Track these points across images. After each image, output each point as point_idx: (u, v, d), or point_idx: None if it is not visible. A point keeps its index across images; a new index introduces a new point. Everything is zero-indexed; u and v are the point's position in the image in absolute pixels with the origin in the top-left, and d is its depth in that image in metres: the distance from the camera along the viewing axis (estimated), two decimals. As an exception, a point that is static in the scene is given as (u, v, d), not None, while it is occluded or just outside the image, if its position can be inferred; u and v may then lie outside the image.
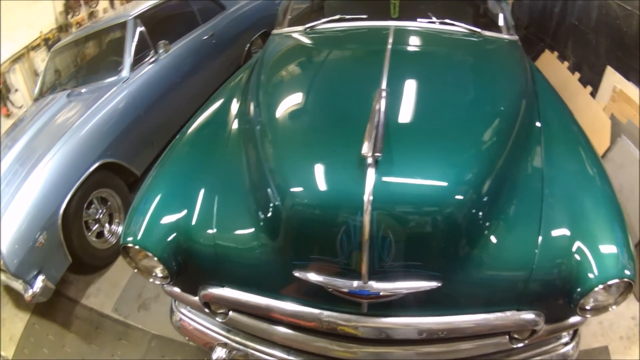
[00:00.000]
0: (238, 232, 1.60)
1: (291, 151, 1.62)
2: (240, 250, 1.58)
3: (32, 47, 5.08)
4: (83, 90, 3.65)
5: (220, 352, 1.78)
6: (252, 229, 1.56)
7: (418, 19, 2.44)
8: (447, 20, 2.40)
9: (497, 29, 2.55)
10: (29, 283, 2.66)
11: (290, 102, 1.93)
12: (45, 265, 2.76)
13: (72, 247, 2.94)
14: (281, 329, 1.64)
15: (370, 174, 1.27)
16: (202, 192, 1.72)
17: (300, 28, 2.61)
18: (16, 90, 5.07)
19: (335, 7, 2.87)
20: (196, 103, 4.39)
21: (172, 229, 1.62)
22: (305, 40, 2.55)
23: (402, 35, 2.30)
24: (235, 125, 2.06)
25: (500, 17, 2.64)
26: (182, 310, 2.02)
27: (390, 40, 2.19)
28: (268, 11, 5.50)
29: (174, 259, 1.60)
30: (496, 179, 1.45)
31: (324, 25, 2.53)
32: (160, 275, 1.70)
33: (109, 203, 3.33)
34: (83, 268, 3.23)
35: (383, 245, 1.30)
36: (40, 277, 2.70)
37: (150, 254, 1.58)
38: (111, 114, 3.36)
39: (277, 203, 1.47)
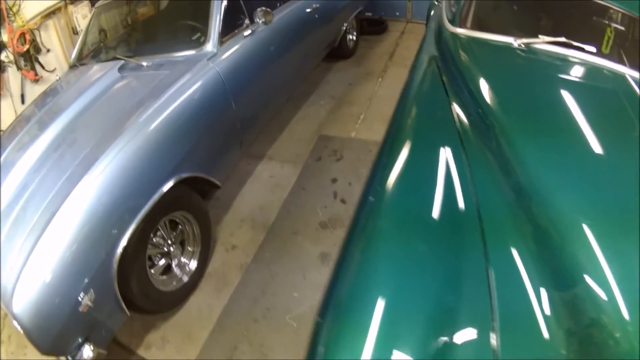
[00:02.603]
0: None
1: None
2: None
3: (72, 0, 4.31)
4: (144, 64, 2.78)
5: None
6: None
7: None
8: None
9: None
10: (72, 356, 1.88)
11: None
12: (94, 329, 1.95)
13: (130, 295, 2.12)
14: None
15: None
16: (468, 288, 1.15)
17: (510, 41, 2.18)
18: (48, 50, 4.25)
19: (534, 18, 2.50)
20: (288, 92, 3.69)
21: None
22: (525, 62, 2.14)
23: None
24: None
25: None
26: None
27: None
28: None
29: None
30: None
31: (540, 44, 2.12)
32: None
33: (180, 228, 2.50)
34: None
35: None
36: (87, 347, 1.89)
37: None
38: (192, 104, 2.47)
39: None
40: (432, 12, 4.23)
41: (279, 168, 3.43)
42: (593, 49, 2.07)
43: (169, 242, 2.43)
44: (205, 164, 2.58)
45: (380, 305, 1.11)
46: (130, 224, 2.01)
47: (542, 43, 2.12)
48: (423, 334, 1.06)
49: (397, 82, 4.56)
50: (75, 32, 4.39)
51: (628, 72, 1.91)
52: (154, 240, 2.32)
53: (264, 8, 2.99)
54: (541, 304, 1.09)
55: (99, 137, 2.18)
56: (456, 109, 1.89)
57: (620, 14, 2.23)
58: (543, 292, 1.12)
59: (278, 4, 3.44)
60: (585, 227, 1.18)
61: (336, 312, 1.17)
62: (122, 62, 2.83)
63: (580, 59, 2.05)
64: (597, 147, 1.47)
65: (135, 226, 2.02)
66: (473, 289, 1.14)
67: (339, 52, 4.77)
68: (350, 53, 4.95)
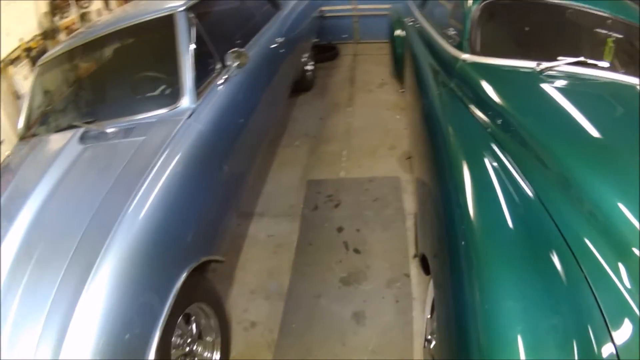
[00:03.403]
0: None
1: None
2: None
3: (11, 61, 3.78)
4: (110, 131, 2.37)
5: None
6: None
7: None
8: None
9: None
10: None
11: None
12: None
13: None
14: None
15: None
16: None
17: (532, 65, 2.27)
18: (-7, 120, 3.75)
19: (541, 37, 2.67)
20: (268, 137, 3.42)
21: None
22: (550, 84, 2.18)
23: None
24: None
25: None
26: None
27: None
28: (315, 13, 4.80)
29: None
30: None
31: (560, 67, 2.25)
32: None
33: (193, 318, 2.14)
34: None
35: None
36: None
37: None
38: (184, 175, 2.11)
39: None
40: (397, 32, 4.21)
41: (275, 225, 3.15)
42: (606, 64, 2.28)
43: (188, 340, 2.08)
44: (210, 242, 2.26)
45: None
46: (153, 336, 1.67)
47: (562, 65, 2.23)
48: None
49: (368, 110, 4.46)
50: (18, 96, 3.87)
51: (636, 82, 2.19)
52: (173, 342, 1.96)
53: (237, 49, 2.74)
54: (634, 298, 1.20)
55: (83, 235, 1.77)
56: (495, 134, 1.96)
57: (619, 24, 2.50)
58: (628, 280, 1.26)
59: (238, 41, 3.19)
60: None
61: None
62: (82, 129, 2.44)
63: (598, 76, 2.24)
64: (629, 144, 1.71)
65: (158, 336, 1.68)
66: (584, 302, 1.22)
67: (299, 85, 4.60)
68: (311, 85, 4.80)
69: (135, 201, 1.86)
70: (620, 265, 1.30)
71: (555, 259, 1.34)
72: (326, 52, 5.56)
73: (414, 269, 2.71)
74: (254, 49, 3.24)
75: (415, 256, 2.70)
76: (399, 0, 4.83)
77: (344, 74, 5.31)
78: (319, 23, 5.22)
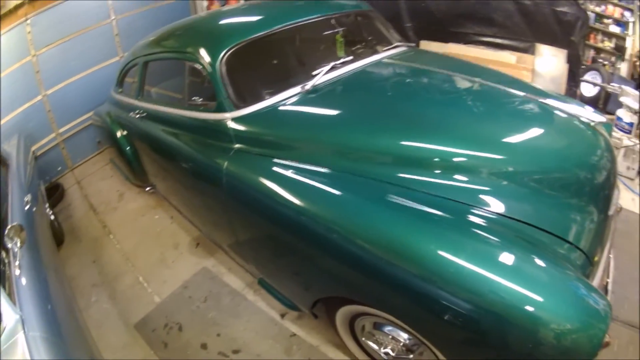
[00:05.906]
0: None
1: None
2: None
3: None
4: None
5: None
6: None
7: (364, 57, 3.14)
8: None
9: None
10: None
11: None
12: None
13: None
14: None
15: None
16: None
17: (298, 90, 2.70)
18: None
19: (282, 62, 3.15)
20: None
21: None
22: (323, 95, 2.68)
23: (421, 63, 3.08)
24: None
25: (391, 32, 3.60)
26: None
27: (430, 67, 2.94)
28: (32, 156, 4.43)
29: None
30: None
31: (321, 79, 2.74)
32: None
33: None
34: None
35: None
36: None
37: None
38: None
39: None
40: (119, 133, 4.17)
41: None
42: (350, 57, 2.95)
43: None
44: None
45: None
46: None
47: (320, 77, 2.72)
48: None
49: (127, 228, 4.45)
50: None
51: (378, 58, 3.08)
52: None
53: (10, 226, 2.48)
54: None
55: None
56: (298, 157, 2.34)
57: (337, 19, 3.18)
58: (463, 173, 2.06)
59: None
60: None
61: None
62: None
63: (350, 70, 2.88)
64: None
65: None
66: (448, 203, 1.90)
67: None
68: (62, 234, 4.43)
69: None
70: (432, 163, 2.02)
71: (398, 198, 1.89)
72: (53, 194, 5.14)
73: (293, 325, 2.98)
74: (17, 219, 2.94)
75: (283, 316, 3.01)
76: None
77: (81, 207, 5.02)
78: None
